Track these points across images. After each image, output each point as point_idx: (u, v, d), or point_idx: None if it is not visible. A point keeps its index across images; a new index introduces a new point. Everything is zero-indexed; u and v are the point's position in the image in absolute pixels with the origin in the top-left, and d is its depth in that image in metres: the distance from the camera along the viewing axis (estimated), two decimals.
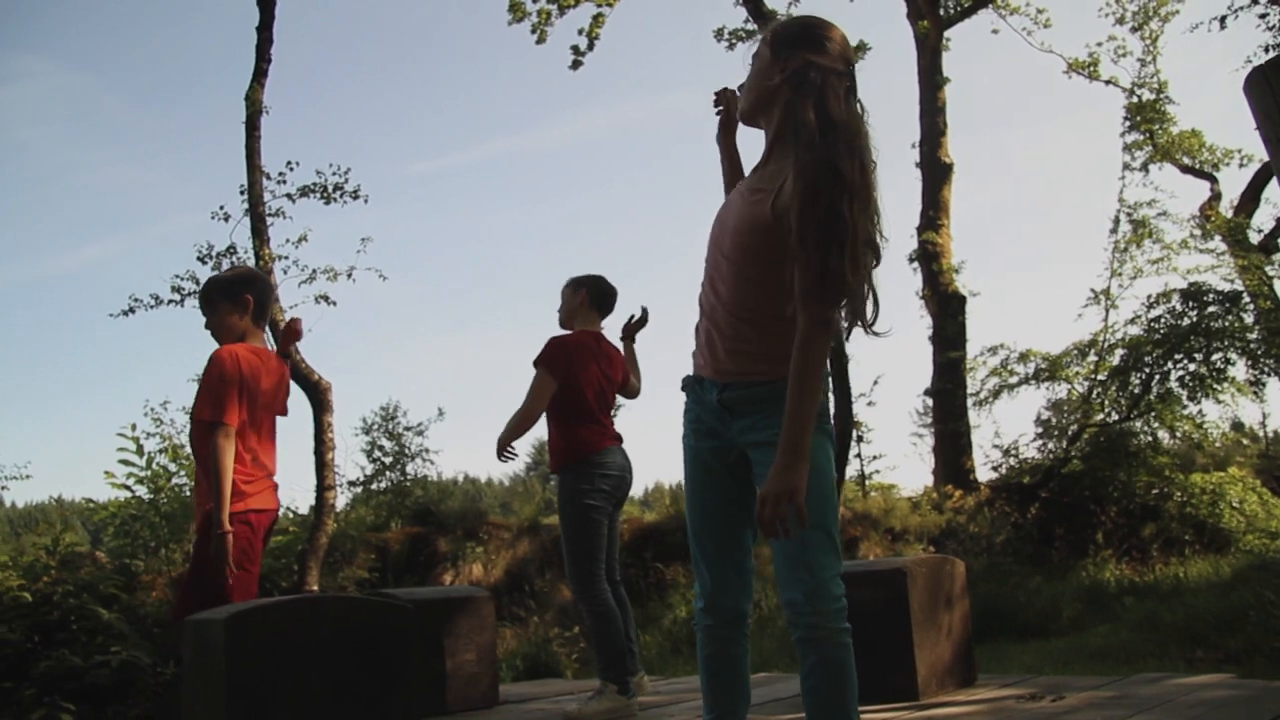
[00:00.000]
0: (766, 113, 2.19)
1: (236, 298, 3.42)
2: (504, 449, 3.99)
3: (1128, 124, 15.58)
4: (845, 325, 2.04)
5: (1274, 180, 13.85)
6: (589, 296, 4.29)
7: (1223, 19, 11.15)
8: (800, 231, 1.90)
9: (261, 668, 2.36)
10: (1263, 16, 10.61)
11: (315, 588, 6.78)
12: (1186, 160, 16.67)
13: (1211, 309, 11.06)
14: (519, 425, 4.00)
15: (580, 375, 4.03)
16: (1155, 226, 14.58)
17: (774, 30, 2.24)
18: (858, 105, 2.14)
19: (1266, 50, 10.32)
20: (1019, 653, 6.65)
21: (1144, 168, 15.72)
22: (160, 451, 8.01)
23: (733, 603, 2.19)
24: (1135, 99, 15.87)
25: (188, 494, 8.00)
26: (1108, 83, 16.43)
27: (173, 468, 7.98)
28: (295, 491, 11.06)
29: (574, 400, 4.01)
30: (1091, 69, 16.49)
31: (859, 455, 12.64)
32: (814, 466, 1.99)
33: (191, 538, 7.89)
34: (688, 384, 2.26)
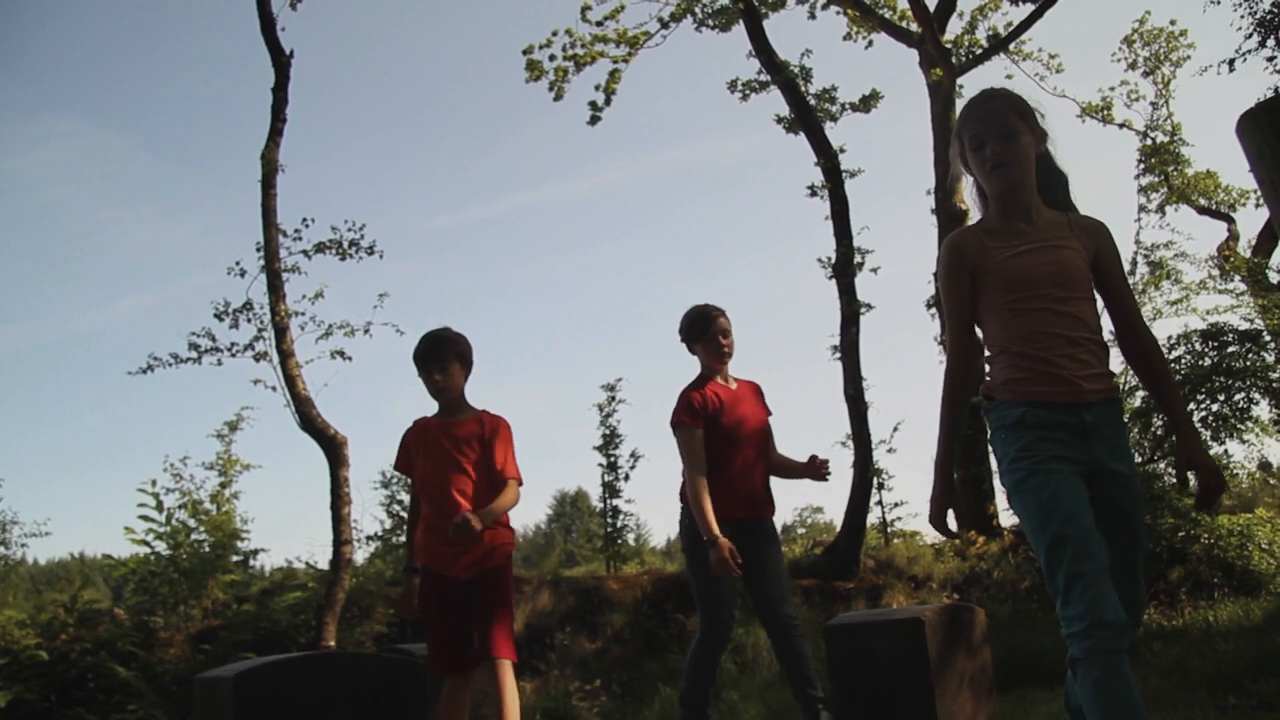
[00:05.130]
0: (1031, 178, 2.64)
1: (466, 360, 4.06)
2: None
3: (1142, 166, 15.64)
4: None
5: None
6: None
7: (1231, 62, 11.19)
8: (1120, 271, 2.65)
9: None
10: (1270, 59, 10.64)
11: (332, 643, 6.75)
12: (1203, 201, 16.68)
13: (1232, 349, 10.96)
14: None
15: None
16: (1173, 268, 14.56)
17: (1019, 108, 2.66)
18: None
19: (1276, 91, 10.34)
20: (1045, 700, 6.52)
21: (1160, 209, 15.76)
22: (180, 507, 8.04)
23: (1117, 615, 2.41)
24: (1149, 141, 15.95)
25: (207, 549, 8.02)
26: (1121, 126, 16.55)
27: (192, 523, 8.00)
28: (314, 546, 11.07)
29: None
30: (1105, 113, 16.60)
31: (880, 503, 12.53)
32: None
33: (211, 594, 7.91)
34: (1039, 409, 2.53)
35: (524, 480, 3.88)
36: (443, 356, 3.97)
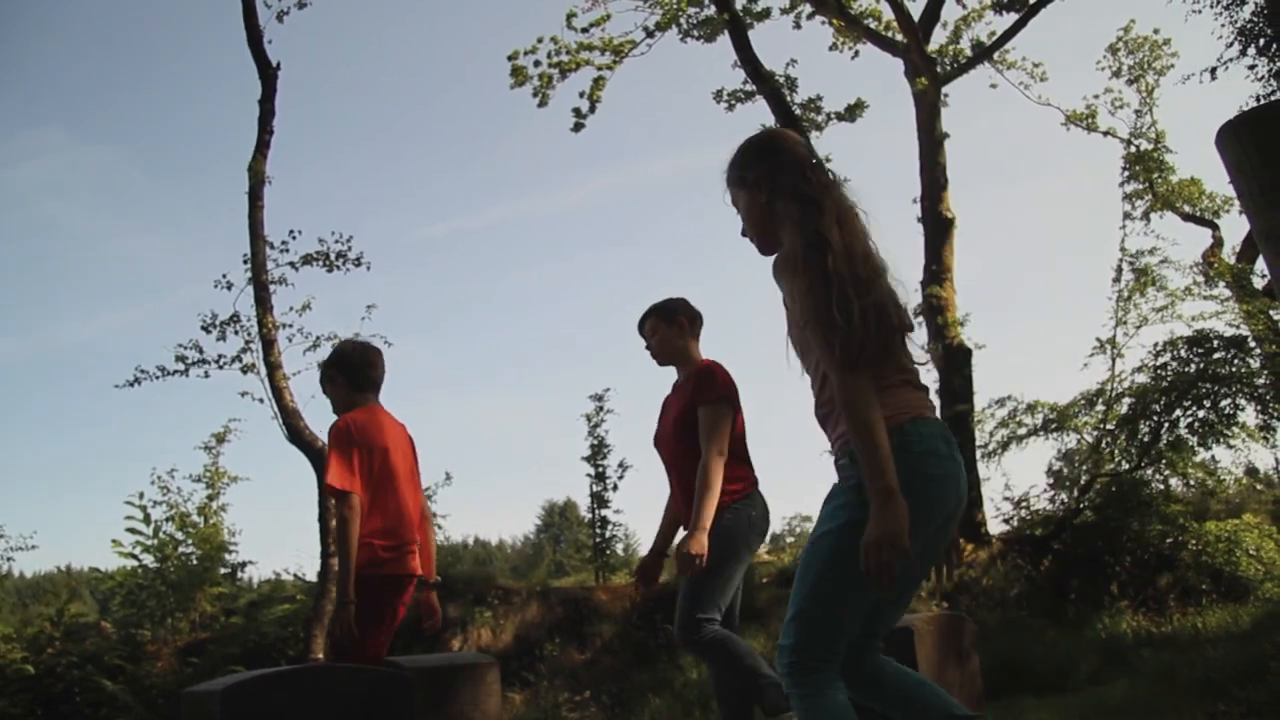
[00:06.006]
0: (776, 234, 2.36)
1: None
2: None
3: (1126, 174, 15.73)
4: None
5: None
6: (689, 323, 4.11)
7: (1213, 70, 11.29)
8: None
9: None
10: (1251, 68, 10.74)
11: (321, 656, 6.72)
12: (1187, 208, 16.79)
13: (1218, 355, 11.04)
14: None
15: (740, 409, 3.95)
16: (1158, 274, 14.60)
17: (731, 166, 2.49)
18: (829, 175, 2.36)
19: (1257, 100, 10.44)
20: (1035, 709, 6.54)
21: (1145, 216, 15.86)
22: (167, 520, 8.01)
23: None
24: (1133, 149, 16.05)
25: (194, 562, 7.99)
26: (1106, 134, 16.64)
27: (179, 536, 7.97)
28: (302, 558, 11.04)
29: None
30: (1089, 121, 16.70)
31: None
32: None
33: (199, 607, 7.88)
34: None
35: (350, 488, 3.73)
36: (322, 370, 4.05)
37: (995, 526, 12.61)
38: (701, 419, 3.81)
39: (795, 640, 2.20)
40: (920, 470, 2.16)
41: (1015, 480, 23.22)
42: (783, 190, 2.31)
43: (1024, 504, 12.53)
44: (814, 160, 2.38)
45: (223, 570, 8.25)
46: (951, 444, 2.29)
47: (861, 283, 2.17)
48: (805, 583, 2.23)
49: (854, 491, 2.15)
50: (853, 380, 2.11)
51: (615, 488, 10.52)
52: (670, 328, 4.08)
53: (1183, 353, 11.38)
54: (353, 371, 4.01)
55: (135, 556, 7.86)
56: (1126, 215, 15.37)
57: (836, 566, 2.16)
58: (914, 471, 2.13)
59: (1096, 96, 16.79)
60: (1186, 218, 16.86)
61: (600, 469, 10.46)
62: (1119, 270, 14.56)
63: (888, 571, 1.99)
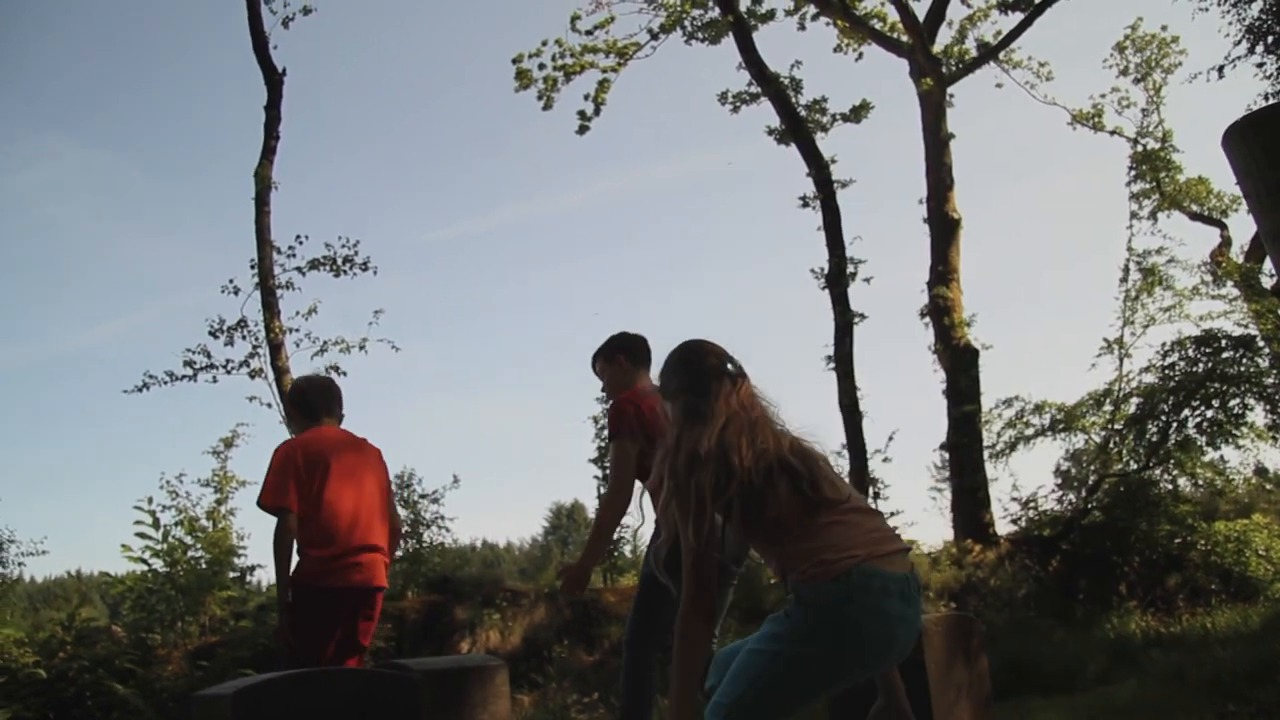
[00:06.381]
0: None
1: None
2: None
3: (1133, 173, 15.70)
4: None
5: None
6: (627, 357, 4.19)
7: (1220, 68, 11.26)
8: None
9: None
10: (1259, 66, 10.71)
11: None
12: (1195, 207, 16.74)
13: (1226, 354, 11.01)
14: None
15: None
16: (1165, 274, 14.60)
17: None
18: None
19: (1266, 98, 10.41)
20: (1043, 709, 6.53)
21: (1152, 216, 15.81)
22: (177, 524, 8.02)
23: None
24: (1140, 148, 16.01)
25: (204, 566, 8.00)
26: (1112, 133, 16.61)
27: (189, 540, 7.98)
28: None
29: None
30: (1096, 120, 16.67)
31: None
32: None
33: (209, 610, 7.90)
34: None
35: (280, 504, 3.91)
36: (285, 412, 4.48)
37: (1003, 527, 12.60)
38: (609, 453, 3.93)
39: None
40: (860, 624, 2.23)
41: (1023, 481, 23.20)
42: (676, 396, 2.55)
43: (1032, 504, 12.51)
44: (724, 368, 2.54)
45: (232, 574, 8.26)
46: (908, 597, 2.30)
47: (727, 481, 2.29)
48: (739, 683, 2.34)
49: (792, 623, 2.28)
50: (691, 618, 2.38)
51: None
52: (611, 365, 4.22)
53: (1191, 352, 11.36)
54: (305, 405, 4.26)
55: (145, 561, 7.86)
56: (1133, 215, 15.36)
57: (775, 686, 2.27)
58: (853, 625, 2.22)
59: (1103, 95, 16.77)
60: (1194, 217, 16.82)
61: (607, 470, 10.47)
62: (1126, 270, 14.56)
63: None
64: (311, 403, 4.25)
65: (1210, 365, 11.00)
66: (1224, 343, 11.14)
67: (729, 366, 2.54)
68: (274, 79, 8.58)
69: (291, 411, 4.37)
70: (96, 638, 7.25)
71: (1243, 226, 17.03)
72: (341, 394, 4.36)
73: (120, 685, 6.38)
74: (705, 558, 2.31)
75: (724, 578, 4.04)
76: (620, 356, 4.19)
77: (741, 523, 2.37)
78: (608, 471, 3.95)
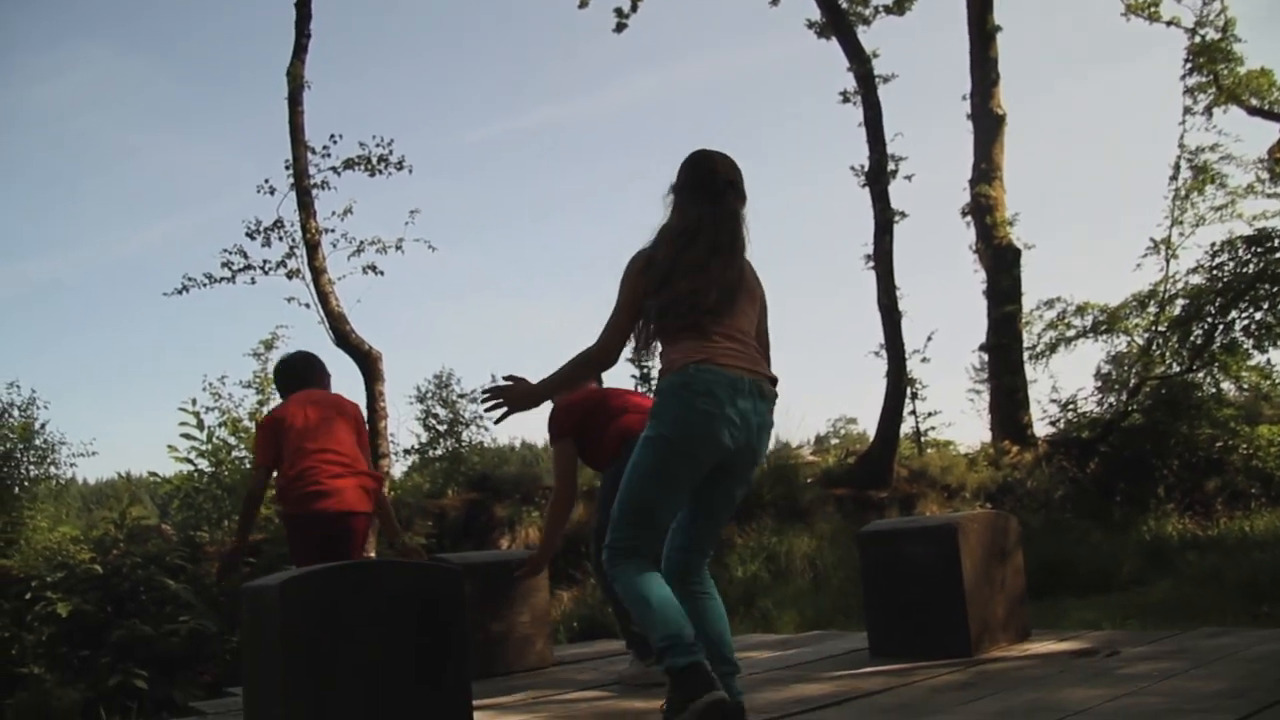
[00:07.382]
0: None
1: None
2: None
3: (1189, 66, 15.05)
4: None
5: None
6: None
7: None
8: None
9: (315, 632, 2.40)
10: None
11: (373, 554, 6.90)
12: (1254, 101, 16.06)
13: (1279, 254, 10.72)
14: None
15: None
16: (1218, 172, 14.16)
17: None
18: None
19: None
20: (1078, 608, 6.58)
21: (1207, 111, 15.22)
22: (220, 425, 8.16)
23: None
24: (1199, 39, 15.32)
25: (248, 466, 8.16)
26: (1169, 23, 15.89)
27: (232, 441, 8.12)
28: None
29: None
30: (1151, 9, 15.96)
31: (914, 412, 12.49)
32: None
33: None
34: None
35: (259, 462, 4.36)
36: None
37: (1041, 429, 12.55)
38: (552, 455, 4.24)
39: (610, 535, 2.57)
40: (691, 406, 2.51)
41: (1063, 383, 23.04)
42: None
43: (1071, 406, 12.42)
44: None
45: (275, 473, 8.42)
46: (739, 391, 2.56)
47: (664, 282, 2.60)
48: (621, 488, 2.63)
49: (651, 416, 2.59)
50: (593, 348, 2.72)
51: None
52: None
53: (1241, 253, 11.07)
54: (282, 383, 4.58)
55: (191, 461, 8.04)
56: (1187, 110, 14.78)
57: (633, 473, 2.56)
58: (687, 406, 2.51)
59: None
60: (1253, 111, 16.15)
61: (645, 369, 10.48)
62: (1176, 168, 14.11)
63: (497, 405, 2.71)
64: (290, 382, 4.52)
65: (1261, 266, 10.73)
66: (1277, 242, 10.84)
67: (729, 181, 2.72)
68: None
69: (279, 390, 4.62)
70: (147, 536, 7.45)
71: None
72: (324, 365, 4.60)
73: (172, 581, 6.58)
74: (623, 324, 2.69)
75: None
76: None
77: (659, 325, 2.66)
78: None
